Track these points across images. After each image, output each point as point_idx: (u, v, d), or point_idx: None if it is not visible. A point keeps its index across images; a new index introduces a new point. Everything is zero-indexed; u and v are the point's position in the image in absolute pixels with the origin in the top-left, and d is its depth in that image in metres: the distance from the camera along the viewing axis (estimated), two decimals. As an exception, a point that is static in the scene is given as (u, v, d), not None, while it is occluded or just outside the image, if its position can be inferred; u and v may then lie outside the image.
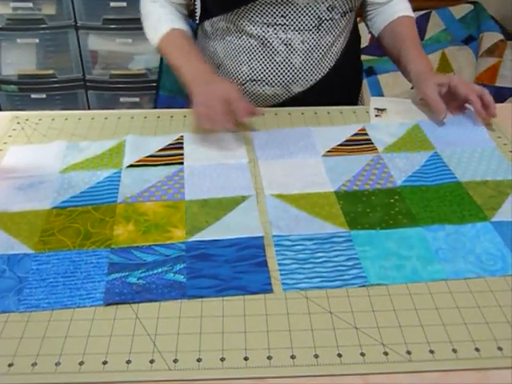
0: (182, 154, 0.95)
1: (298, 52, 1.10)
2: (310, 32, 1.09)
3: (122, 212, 0.82)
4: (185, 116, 1.08)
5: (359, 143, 0.98)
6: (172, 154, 0.96)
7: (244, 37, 1.11)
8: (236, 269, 0.71)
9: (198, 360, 0.60)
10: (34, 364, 0.60)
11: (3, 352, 0.61)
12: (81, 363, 0.60)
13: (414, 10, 2.38)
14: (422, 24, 2.39)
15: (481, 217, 0.79)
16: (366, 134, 1.00)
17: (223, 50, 1.15)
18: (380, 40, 1.25)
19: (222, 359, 0.60)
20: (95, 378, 0.59)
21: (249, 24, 1.08)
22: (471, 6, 2.36)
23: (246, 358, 0.60)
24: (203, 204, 0.83)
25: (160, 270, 0.71)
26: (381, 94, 2.09)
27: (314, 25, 1.08)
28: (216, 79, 1.03)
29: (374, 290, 0.68)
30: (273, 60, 1.11)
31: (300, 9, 1.06)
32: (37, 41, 2.18)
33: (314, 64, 1.13)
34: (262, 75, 1.13)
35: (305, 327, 0.63)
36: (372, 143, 0.98)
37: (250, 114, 0.97)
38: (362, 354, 0.60)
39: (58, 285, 0.70)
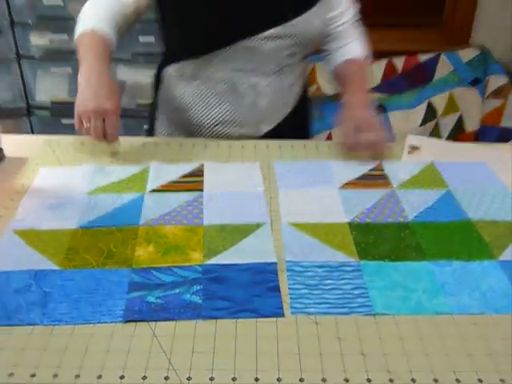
0: (202, 181, 0.96)
1: (264, 94, 1.12)
2: (273, 76, 1.11)
3: (143, 234, 0.82)
4: (205, 145, 1.09)
5: (375, 178, 0.98)
6: (193, 181, 0.96)
7: (213, 81, 1.12)
8: (249, 292, 0.71)
9: (211, 379, 0.60)
10: (55, 375, 0.60)
11: (26, 362, 0.61)
12: (99, 377, 0.60)
13: (424, 52, 2.43)
14: (431, 66, 2.41)
15: (488, 255, 0.79)
16: (383, 170, 1.01)
17: (191, 94, 1.15)
18: (333, 77, 1.24)
19: (234, 379, 0.60)
20: (113, 391, 0.59)
21: (218, 69, 1.09)
22: (478, 51, 2.37)
23: (256, 379, 0.60)
24: (220, 229, 0.83)
25: (177, 291, 0.71)
26: (391, 131, 2.10)
27: (276, 69, 1.10)
28: (103, 86, 0.97)
29: (381, 318, 0.68)
30: (241, 103, 1.12)
31: (264, 55, 1.07)
32: (70, 70, 2.24)
33: (278, 104, 1.15)
34: (231, 117, 1.13)
35: (313, 351, 0.63)
36: (387, 179, 0.98)
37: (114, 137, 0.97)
38: (369, 380, 0.60)
39: (80, 300, 0.70)
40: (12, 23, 2.27)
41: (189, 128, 1.16)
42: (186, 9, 1.05)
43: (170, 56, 1.17)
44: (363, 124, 1.01)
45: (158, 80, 1.22)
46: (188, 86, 1.14)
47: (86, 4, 1.10)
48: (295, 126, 1.21)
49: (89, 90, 0.96)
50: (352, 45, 1.19)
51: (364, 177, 0.98)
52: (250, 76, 1.10)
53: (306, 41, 1.10)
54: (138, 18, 1.11)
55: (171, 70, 1.16)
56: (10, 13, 2.24)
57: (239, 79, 1.10)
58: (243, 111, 1.13)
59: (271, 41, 1.06)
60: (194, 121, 1.14)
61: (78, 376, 0.60)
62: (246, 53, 1.06)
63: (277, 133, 1.16)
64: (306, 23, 1.07)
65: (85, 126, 0.95)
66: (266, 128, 1.16)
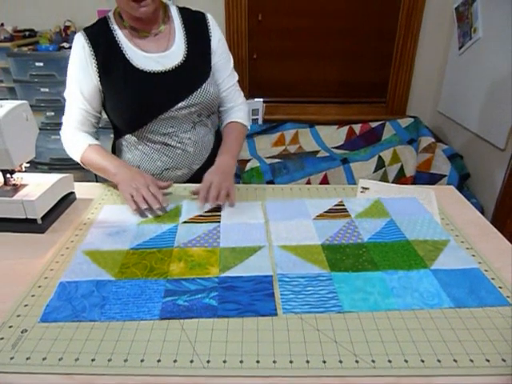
0: (220, 215, 0.95)
1: (189, 144, 1.12)
2: (191, 131, 1.12)
3: (176, 254, 0.82)
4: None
5: (338, 211, 0.98)
6: (213, 215, 0.96)
7: (151, 144, 1.12)
8: (252, 298, 0.70)
9: (224, 361, 0.59)
10: (110, 360, 0.59)
11: (88, 350, 0.61)
12: (142, 360, 0.59)
13: (374, 121, 2.47)
14: (379, 130, 2.44)
15: (423, 265, 0.78)
16: (343, 205, 1.00)
17: (139, 155, 1.14)
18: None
19: (241, 361, 0.59)
20: (153, 371, 0.57)
21: (151, 136, 1.10)
22: (412, 119, 2.41)
23: (257, 361, 0.59)
24: (232, 250, 0.82)
25: (199, 296, 0.70)
26: (353, 177, 2.10)
27: (191, 127, 1.12)
28: (135, 173, 0.99)
29: (348, 315, 0.67)
30: (175, 153, 1.12)
31: (181, 120, 1.09)
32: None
33: (200, 149, 1.15)
34: (171, 164, 1.14)
35: (300, 340, 0.62)
36: (347, 211, 0.98)
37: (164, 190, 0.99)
38: (340, 362, 0.59)
39: (128, 303, 0.69)
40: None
41: None
42: (119, 101, 1.06)
43: (118, 131, 1.16)
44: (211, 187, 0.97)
45: (114, 148, 1.23)
46: (135, 150, 1.14)
47: (64, 131, 1.09)
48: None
49: (126, 177, 0.97)
50: (236, 109, 1.19)
51: (330, 210, 0.98)
52: (175, 134, 1.10)
53: (207, 105, 1.10)
54: (99, 118, 1.13)
55: (121, 141, 1.16)
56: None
57: (169, 138, 1.10)
58: (177, 158, 1.13)
59: (182, 110, 1.07)
60: (146, 172, 1.11)
61: (126, 360, 0.59)
62: (167, 121, 1.08)
63: (204, 169, 1.09)
64: (204, 93, 1.08)
65: (136, 198, 0.93)
66: (196, 167, 1.16)
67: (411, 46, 2.43)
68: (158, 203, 0.93)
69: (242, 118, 1.19)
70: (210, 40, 1.12)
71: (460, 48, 2.21)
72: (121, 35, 1.06)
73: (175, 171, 1.15)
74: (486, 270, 0.77)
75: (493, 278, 0.75)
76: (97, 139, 1.12)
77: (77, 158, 1.07)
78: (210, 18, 1.14)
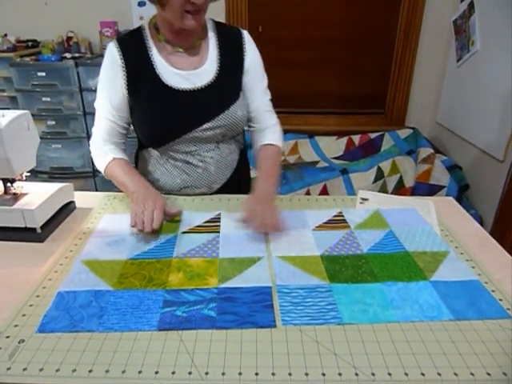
0: (219, 226, 0.95)
1: (211, 164, 1.10)
2: (213, 151, 1.09)
3: (175, 264, 0.81)
4: (220, 199, 1.09)
5: (338, 222, 0.97)
6: (212, 225, 0.95)
7: (172, 161, 1.10)
8: (251, 309, 0.69)
9: (223, 373, 0.58)
10: (107, 371, 0.58)
11: (86, 360, 0.60)
12: (140, 372, 0.58)
13: (373, 132, 2.48)
14: (379, 141, 2.46)
15: (422, 277, 0.78)
16: (343, 216, 1.00)
17: (160, 169, 1.12)
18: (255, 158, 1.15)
19: (240, 373, 0.58)
20: (151, 383, 0.57)
21: (174, 153, 1.08)
22: (411, 131, 2.43)
23: (256, 374, 0.58)
24: (231, 261, 0.82)
25: (198, 307, 0.70)
26: (352, 187, 2.11)
27: (214, 146, 1.09)
28: (150, 194, 0.96)
29: (348, 327, 0.66)
30: (196, 172, 1.10)
31: (204, 140, 1.07)
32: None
33: (222, 169, 1.12)
34: (191, 183, 1.11)
35: (299, 352, 0.62)
36: (346, 222, 0.97)
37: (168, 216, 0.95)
38: (340, 374, 0.58)
39: (127, 313, 0.68)
40: (84, 113, 2.33)
41: (161, 192, 1.08)
42: (144, 116, 1.06)
43: (141, 145, 1.16)
44: (260, 213, 0.91)
45: (137, 158, 1.22)
46: (156, 164, 1.12)
47: (92, 141, 1.09)
48: (238, 182, 1.17)
49: (140, 198, 0.95)
50: (269, 131, 1.14)
51: (330, 221, 0.98)
52: (197, 153, 1.08)
53: (233, 127, 1.08)
54: (128, 129, 1.13)
55: (143, 154, 1.16)
56: (83, 105, 2.31)
57: (191, 157, 1.08)
58: (198, 177, 1.11)
59: (207, 131, 1.05)
60: (164, 188, 1.11)
61: (124, 371, 0.58)
62: (190, 141, 1.06)
63: (225, 189, 1.12)
64: (230, 115, 1.05)
65: (136, 218, 0.90)
66: (217, 186, 1.13)
67: (409, 57, 2.46)
68: (149, 228, 0.89)
69: (277, 140, 1.14)
70: (243, 58, 1.09)
71: (458, 60, 2.23)
72: (154, 49, 1.04)
73: (194, 189, 1.12)
74: (485, 282, 0.77)
75: (493, 290, 0.74)
76: (123, 150, 1.12)
77: (101, 170, 1.07)
78: (246, 34, 1.11)
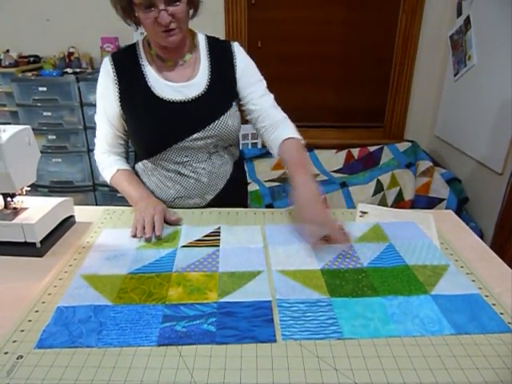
0: (219, 239, 0.95)
1: (203, 174, 1.12)
2: (205, 161, 1.11)
3: (175, 278, 0.81)
4: (219, 212, 1.10)
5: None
6: (212, 239, 0.95)
7: (164, 172, 1.12)
8: (251, 323, 0.69)
9: (223, 390, 0.58)
10: (106, 388, 0.58)
11: (85, 377, 0.59)
12: (139, 389, 0.58)
13: (372, 145, 2.50)
14: (378, 154, 2.47)
15: (423, 291, 0.78)
16: (343, 229, 0.98)
17: (154, 181, 1.15)
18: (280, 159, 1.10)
19: (240, 390, 0.58)
20: (149, 401, 0.56)
21: (166, 164, 1.11)
22: (410, 144, 2.44)
23: (256, 390, 0.58)
24: (231, 275, 0.82)
25: (198, 322, 0.69)
26: (351, 200, 2.11)
27: (206, 157, 1.11)
28: (151, 203, 1.02)
29: (348, 341, 0.66)
30: (188, 182, 1.12)
31: (196, 150, 1.09)
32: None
33: (214, 179, 1.14)
34: (184, 193, 1.13)
35: (299, 367, 0.61)
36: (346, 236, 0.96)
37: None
38: (340, 391, 0.58)
39: (126, 329, 0.68)
40: (85, 127, 2.35)
41: None
42: (137, 127, 1.09)
43: (137, 156, 1.19)
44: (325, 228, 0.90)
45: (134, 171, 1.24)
46: (151, 176, 1.15)
47: (95, 152, 1.16)
48: (232, 193, 1.18)
49: (142, 207, 1.00)
50: (282, 126, 1.11)
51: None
52: (189, 164, 1.10)
53: (224, 137, 1.09)
54: (127, 141, 1.17)
55: (139, 165, 1.18)
56: (83, 119, 2.33)
57: (183, 168, 1.11)
58: (191, 188, 1.13)
59: (198, 141, 1.07)
60: (159, 199, 1.11)
61: (123, 388, 0.58)
62: (182, 150, 1.09)
63: (219, 199, 1.14)
64: (221, 125, 1.07)
65: (137, 225, 0.96)
66: (210, 197, 1.15)
67: (407, 72, 2.49)
68: (149, 233, 0.94)
69: (294, 133, 1.09)
70: (234, 67, 1.11)
71: (455, 75, 2.26)
72: (146, 63, 1.08)
73: (187, 200, 1.14)
74: (486, 296, 0.76)
75: (494, 304, 0.74)
76: (126, 158, 1.17)
77: (107, 180, 1.13)
78: (235, 46, 1.13)
